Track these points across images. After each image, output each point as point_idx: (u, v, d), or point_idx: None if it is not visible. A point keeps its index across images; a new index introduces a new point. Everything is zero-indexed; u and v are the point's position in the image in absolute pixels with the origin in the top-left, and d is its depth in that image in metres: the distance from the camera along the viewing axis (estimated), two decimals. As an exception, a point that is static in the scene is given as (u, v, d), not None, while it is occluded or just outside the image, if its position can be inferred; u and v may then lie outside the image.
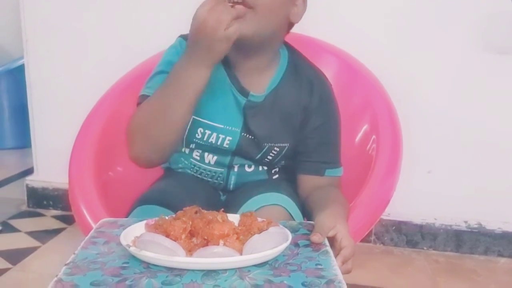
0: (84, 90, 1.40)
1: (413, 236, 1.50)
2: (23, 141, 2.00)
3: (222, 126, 0.88)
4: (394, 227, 1.51)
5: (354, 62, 1.27)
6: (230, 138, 0.89)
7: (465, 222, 1.48)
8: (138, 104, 0.85)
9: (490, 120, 1.41)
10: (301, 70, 0.91)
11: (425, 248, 1.50)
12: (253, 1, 0.77)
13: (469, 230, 1.47)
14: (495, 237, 1.46)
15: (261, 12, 0.79)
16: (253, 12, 0.78)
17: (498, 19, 1.34)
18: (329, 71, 1.25)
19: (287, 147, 0.92)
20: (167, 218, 0.67)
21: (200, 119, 0.88)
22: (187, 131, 0.88)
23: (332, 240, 0.71)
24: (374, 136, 1.11)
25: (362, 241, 1.50)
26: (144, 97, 0.84)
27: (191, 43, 0.76)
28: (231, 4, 0.76)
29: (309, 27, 1.16)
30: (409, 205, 1.48)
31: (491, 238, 1.47)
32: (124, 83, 1.22)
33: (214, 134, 0.89)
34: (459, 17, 1.36)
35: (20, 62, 2.02)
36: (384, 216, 1.50)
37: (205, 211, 0.67)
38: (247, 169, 0.93)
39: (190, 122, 0.86)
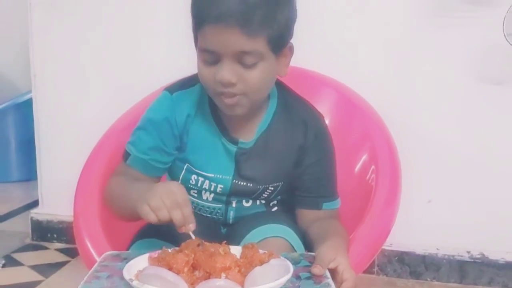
0: (89, 124, 1.43)
1: (416, 267, 1.50)
2: (29, 174, 2.02)
3: (213, 175, 0.91)
4: (396, 258, 1.51)
5: (352, 94, 1.29)
6: (222, 186, 0.91)
7: (468, 252, 1.47)
8: (123, 156, 0.91)
9: (490, 149, 1.42)
10: (292, 108, 0.92)
11: (428, 279, 1.49)
12: (244, 90, 0.80)
13: (472, 260, 1.47)
14: (499, 267, 1.45)
15: (252, 95, 0.82)
16: (246, 97, 0.81)
17: (493, 51, 1.37)
18: (327, 104, 1.28)
19: (281, 185, 0.93)
20: (170, 251, 0.68)
21: (192, 168, 0.91)
22: (181, 178, 0.93)
23: (333, 273, 0.72)
24: (373, 167, 1.12)
25: (365, 272, 1.49)
26: (127, 154, 0.91)
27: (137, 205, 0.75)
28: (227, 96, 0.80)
29: (306, 60, 1.20)
30: (411, 235, 1.47)
31: (495, 268, 1.46)
32: (128, 118, 1.24)
33: (207, 182, 0.91)
34: (455, 49, 1.39)
35: (27, 97, 2.07)
36: (387, 246, 1.49)
37: (208, 243, 0.69)
38: (245, 204, 0.95)
39: (184, 169, 0.91)
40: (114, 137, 1.21)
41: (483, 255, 1.46)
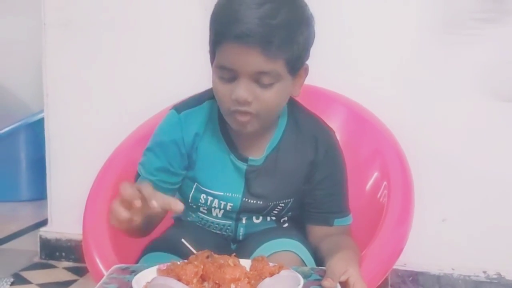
0: (99, 143, 1.44)
1: (431, 288, 1.46)
2: (39, 193, 2.03)
3: (222, 194, 0.90)
4: (411, 278, 1.47)
5: (363, 111, 1.29)
6: (232, 204, 0.90)
7: (484, 272, 1.43)
8: (135, 177, 0.91)
9: (504, 167, 1.40)
10: (302, 124, 0.92)
11: (444, 300, 1.45)
12: (258, 110, 0.80)
13: (489, 281, 1.43)
14: (516, 288, 1.41)
15: (265, 115, 0.82)
16: (258, 116, 0.81)
17: (503, 68, 1.37)
18: (338, 121, 1.28)
19: (291, 201, 0.92)
20: (179, 263, 0.67)
21: (201, 187, 0.91)
22: (191, 197, 0.92)
23: (344, 285, 0.70)
24: (385, 183, 1.11)
25: (378, 293, 1.46)
26: (137, 175, 0.90)
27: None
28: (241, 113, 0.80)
29: (318, 78, 1.20)
30: (425, 255, 1.44)
31: (512, 289, 1.42)
32: (136, 136, 1.25)
33: (216, 200, 0.90)
34: (465, 66, 1.39)
35: (39, 116, 2.09)
36: (400, 266, 1.46)
37: (217, 255, 0.68)
38: (255, 220, 0.94)
39: (194, 188, 0.91)
40: (122, 155, 1.22)
41: (500, 275, 1.42)
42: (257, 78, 0.78)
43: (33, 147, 2.25)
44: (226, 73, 0.80)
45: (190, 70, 1.47)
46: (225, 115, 0.84)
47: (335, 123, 1.18)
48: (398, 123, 1.26)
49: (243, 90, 0.78)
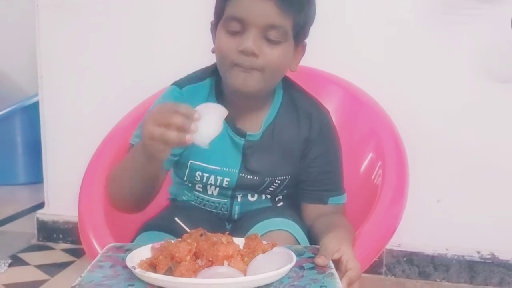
0: (94, 125, 1.44)
1: (425, 268, 1.47)
2: (35, 176, 2.03)
3: (219, 168, 0.90)
4: (405, 258, 1.49)
5: (358, 92, 1.28)
6: (228, 179, 0.90)
7: (478, 252, 1.45)
8: (128, 150, 0.90)
9: (499, 148, 1.40)
10: (297, 101, 0.92)
11: (437, 280, 1.47)
12: (262, 65, 0.81)
13: (482, 260, 1.44)
14: (509, 267, 1.43)
15: (268, 74, 0.83)
16: (261, 73, 0.82)
17: (499, 48, 1.36)
18: (334, 101, 1.27)
19: (288, 178, 0.92)
20: (172, 241, 0.68)
21: (197, 163, 0.90)
22: (186, 174, 0.92)
23: (337, 263, 0.70)
24: (380, 163, 1.11)
25: (373, 273, 1.48)
26: (131, 146, 0.89)
27: (142, 143, 0.75)
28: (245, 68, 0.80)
29: (314, 59, 1.19)
30: (420, 236, 1.46)
31: (505, 268, 1.43)
32: (132, 117, 1.24)
33: (212, 176, 0.90)
34: (462, 46, 1.38)
35: (34, 100, 2.08)
36: (395, 247, 1.48)
37: (210, 234, 0.68)
38: (250, 198, 0.94)
39: (189, 166, 0.90)
40: (118, 136, 1.21)
41: (493, 255, 1.44)
42: (266, 32, 0.79)
43: (29, 130, 2.25)
44: (235, 25, 0.80)
45: (188, 52, 1.46)
46: (226, 71, 0.83)
47: (331, 104, 1.18)
48: (394, 104, 1.26)
49: (251, 41, 0.79)
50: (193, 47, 1.48)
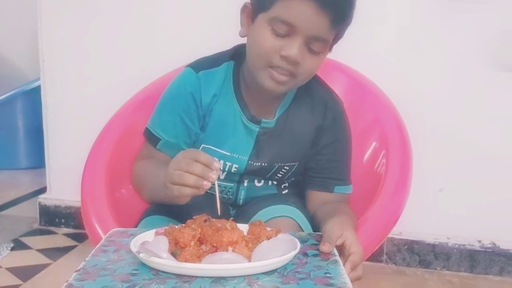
0: (97, 110, 1.43)
1: (425, 256, 1.48)
2: (37, 161, 2.03)
3: (229, 154, 0.90)
4: (406, 247, 1.49)
5: (363, 79, 1.27)
6: (237, 166, 0.90)
7: (479, 241, 1.45)
8: (148, 138, 0.91)
9: (503, 137, 1.40)
10: (313, 89, 0.92)
11: (438, 268, 1.47)
12: (300, 73, 0.81)
13: (483, 250, 1.45)
14: (510, 257, 1.43)
15: (301, 80, 0.83)
16: (295, 79, 0.82)
17: (506, 37, 1.35)
18: (338, 89, 1.26)
19: (296, 165, 0.92)
20: (176, 226, 0.68)
21: (209, 146, 0.90)
22: None
23: (340, 248, 0.71)
24: (383, 152, 1.10)
25: (373, 261, 1.48)
26: (148, 132, 0.90)
27: (164, 184, 0.74)
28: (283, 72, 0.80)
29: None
30: (421, 224, 1.46)
31: (506, 258, 1.44)
32: (135, 102, 1.24)
33: (221, 161, 0.90)
34: (468, 34, 1.37)
35: (36, 84, 2.07)
36: (396, 235, 1.48)
37: (215, 219, 0.68)
38: (256, 183, 0.94)
39: (200, 149, 0.90)
40: (120, 120, 1.20)
41: (494, 244, 1.44)
42: (310, 42, 0.78)
43: (31, 115, 2.24)
44: (282, 27, 0.78)
45: (192, 37, 1.45)
46: (260, 69, 0.82)
47: (336, 91, 1.17)
48: (398, 92, 1.25)
49: (297, 49, 0.77)
50: (198, 33, 1.47)
